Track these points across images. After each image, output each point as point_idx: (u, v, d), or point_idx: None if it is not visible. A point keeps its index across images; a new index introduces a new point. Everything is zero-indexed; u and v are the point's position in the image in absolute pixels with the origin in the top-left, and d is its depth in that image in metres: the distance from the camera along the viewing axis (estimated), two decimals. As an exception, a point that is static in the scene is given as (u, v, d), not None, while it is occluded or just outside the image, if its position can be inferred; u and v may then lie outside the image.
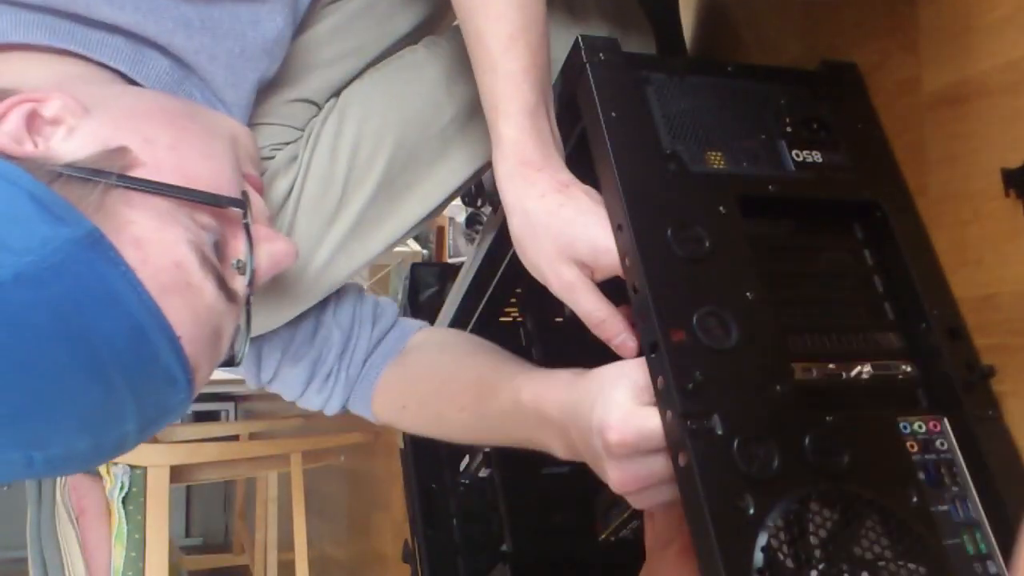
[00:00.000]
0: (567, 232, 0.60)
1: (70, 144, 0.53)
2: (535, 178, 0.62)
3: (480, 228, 1.76)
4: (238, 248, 0.59)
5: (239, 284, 0.59)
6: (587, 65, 0.65)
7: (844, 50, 0.75)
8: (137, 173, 0.53)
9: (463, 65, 0.78)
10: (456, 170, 0.80)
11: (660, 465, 0.54)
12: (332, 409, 0.86)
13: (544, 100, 0.64)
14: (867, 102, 0.72)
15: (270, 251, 0.61)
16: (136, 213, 0.52)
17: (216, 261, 0.56)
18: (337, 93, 0.78)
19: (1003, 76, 0.63)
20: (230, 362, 0.62)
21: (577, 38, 0.67)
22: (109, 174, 0.52)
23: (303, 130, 0.77)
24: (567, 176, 0.63)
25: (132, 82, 0.64)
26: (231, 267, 0.58)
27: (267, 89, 0.73)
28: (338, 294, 0.84)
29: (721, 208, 0.61)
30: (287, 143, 0.76)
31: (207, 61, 0.66)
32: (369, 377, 0.84)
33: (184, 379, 0.53)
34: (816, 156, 0.67)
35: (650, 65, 0.68)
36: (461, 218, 1.83)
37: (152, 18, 0.63)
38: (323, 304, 0.83)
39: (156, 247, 0.52)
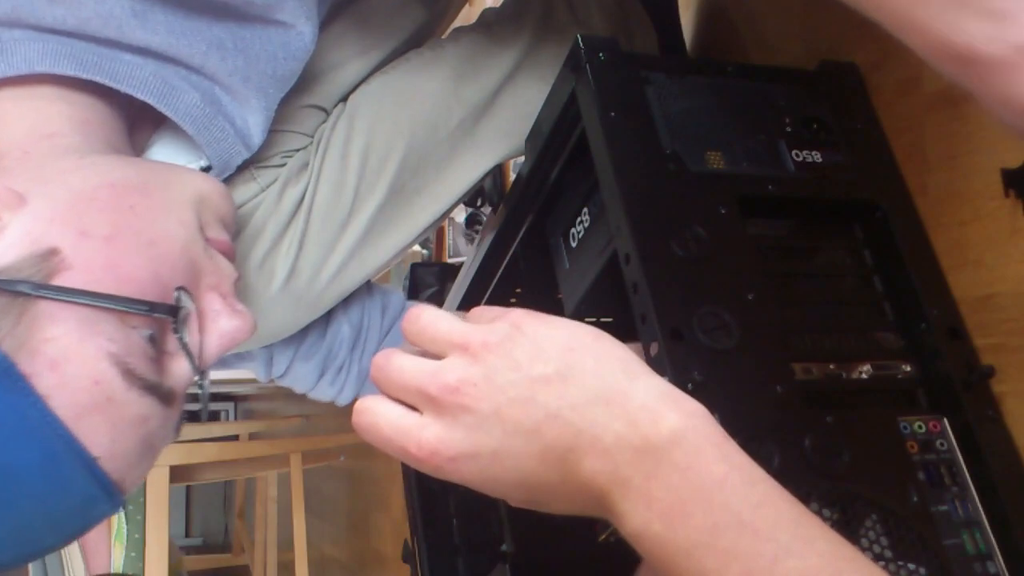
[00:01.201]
0: None
1: None
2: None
3: (480, 228, 1.76)
4: (192, 328, 0.57)
5: (181, 374, 0.56)
6: (587, 65, 0.65)
7: (844, 50, 0.75)
8: (64, 279, 0.51)
9: (470, 66, 0.78)
10: (465, 172, 0.80)
11: None
12: (344, 400, 0.87)
13: None
14: (867, 102, 0.72)
15: (220, 330, 0.58)
16: (56, 328, 0.50)
17: (146, 369, 0.53)
18: (345, 98, 0.78)
19: (1003, 76, 0.62)
20: (194, 419, 0.61)
21: (577, 38, 0.67)
22: (32, 284, 0.50)
23: (312, 136, 0.77)
24: None
25: (147, 119, 0.62)
26: (177, 350, 0.56)
27: None
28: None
29: (721, 208, 0.61)
30: (297, 150, 0.76)
31: (241, 84, 0.65)
32: None
33: (105, 496, 0.52)
34: (816, 156, 0.67)
35: (650, 65, 0.68)
36: (461, 218, 1.83)
37: (185, 40, 0.61)
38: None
39: (74, 366, 0.50)
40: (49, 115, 0.59)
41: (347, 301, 0.84)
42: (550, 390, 0.44)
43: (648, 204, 0.60)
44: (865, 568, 0.39)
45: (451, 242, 1.93)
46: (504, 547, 0.91)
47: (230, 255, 0.62)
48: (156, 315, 0.54)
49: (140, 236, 0.55)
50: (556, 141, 0.73)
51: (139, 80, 0.60)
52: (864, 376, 0.60)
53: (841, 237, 0.67)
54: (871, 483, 0.54)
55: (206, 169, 0.68)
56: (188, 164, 0.67)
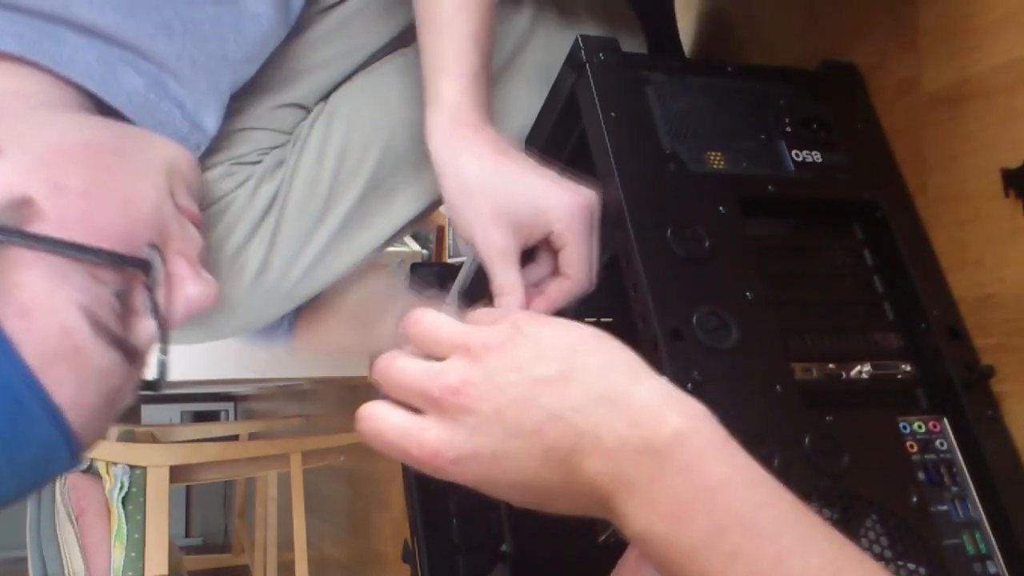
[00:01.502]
0: (506, 192, 0.59)
1: None
2: (473, 139, 0.61)
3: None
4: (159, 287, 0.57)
5: (146, 333, 0.56)
6: (587, 65, 0.65)
7: (844, 50, 0.75)
8: (37, 228, 0.51)
9: None
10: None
11: None
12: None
13: (487, 68, 0.63)
14: (867, 102, 0.72)
15: (187, 295, 0.58)
16: (27, 274, 0.50)
17: (113, 323, 0.53)
18: (326, 96, 0.78)
19: (1002, 76, 0.63)
20: (151, 387, 0.60)
21: (577, 38, 0.67)
22: (6, 230, 0.50)
23: (290, 134, 0.77)
24: (506, 142, 0.62)
25: (100, 102, 0.62)
26: (144, 309, 0.56)
27: (254, 94, 0.73)
28: None
29: (721, 208, 0.61)
30: (274, 147, 0.76)
31: (188, 66, 0.65)
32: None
33: (66, 447, 0.52)
34: (816, 156, 0.67)
35: (650, 65, 0.68)
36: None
37: (132, 21, 0.61)
38: None
39: (44, 313, 0.50)
40: (22, 76, 0.59)
41: None
42: (552, 391, 0.44)
43: (648, 204, 0.60)
44: (868, 568, 0.39)
45: (451, 242, 1.93)
46: (504, 547, 0.91)
47: (199, 224, 0.62)
48: (128, 267, 0.54)
49: (114, 194, 0.55)
50: (556, 141, 0.73)
51: (82, 65, 0.60)
52: (864, 376, 0.60)
53: (841, 237, 0.67)
54: (871, 483, 0.54)
55: None
56: None
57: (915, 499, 0.54)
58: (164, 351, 0.59)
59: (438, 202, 0.82)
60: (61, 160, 0.54)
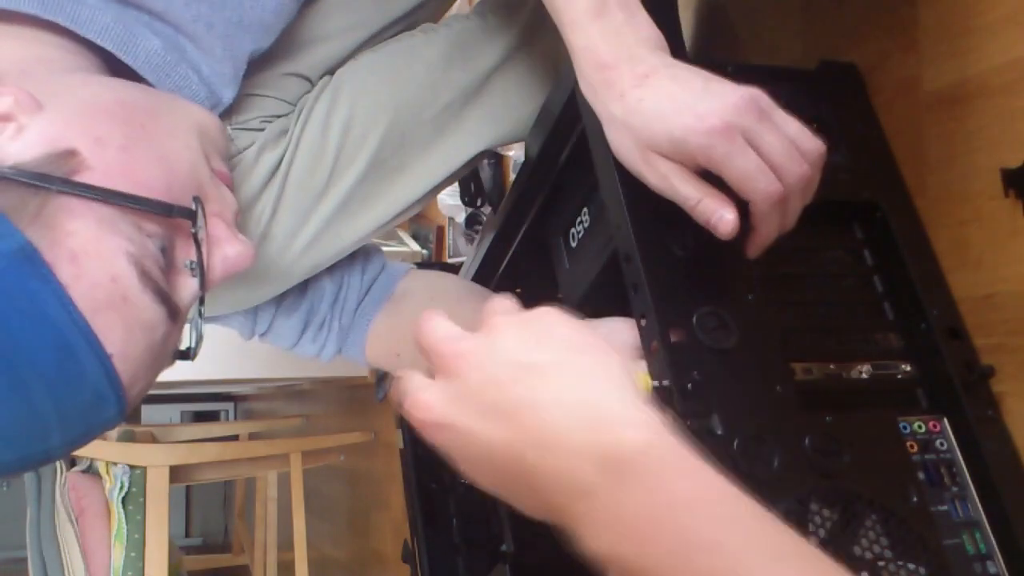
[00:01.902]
0: (646, 129, 0.56)
1: (17, 144, 0.52)
2: (612, 79, 0.58)
3: (480, 228, 1.76)
4: (189, 251, 0.57)
5: (186, 292, 0.57)
6: (587, 65, 0.65)
7: (844, 50, 0.75)
8: (83, 178, 0.52)
9: (461, 51, 0.78)
10: (448, 156, 0.80)
11: None
12: (327, 356, 0.87)
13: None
14: (867, 102, 0.72)
15: (224, 255, 0.59)
16: (76, 223, 0.51)
17: (159, 276, 0.54)
18: (332, 71, 0.78)
19: (1003, 76, 0.63)
20: (185, 356, 0.61)
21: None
22: (53, 179, 0.51)
23: (295, 105, 0.77)
24: (646, 66, 0.58)
25: (118, 64, 0.63)
26: (184, 267, 0.57)
27: (262, 60, 0.73)
28: None
29: (721, 208, 0.61)
30: (278, 116, 0.76)
31: (204, 30, 0.65)
32: (361, 324, 0.85)
33: (114, 397, 0.52)
34: (816, 156, 0.67)
35: (650, 65, 0.68)
36: (461, 218, 1.83)
37: None
38: None
39: (93, 261, 0.51)
40: (42, 44, 0.60)
41: None
42: (534, 379, 0.44)
43: (648, 204, 0.60)
44: (836, 571, 0.38)
45: (451, 242, 1.93)
46: (504, 547, 0.91)
47: (231, 187, 0.63)
48: (176, 217, 0.55)
49: (153, 150, 0.56)
50: (556, 141, 0.73)
51: (100, 25, 0.61)
52: (864, 376, 0.60)
53: (841, 237, 0.67)
54: (871, 483, 0.54)
55: None
56: None
57: (915, 499, 0.54)
58: (201, 313, 0.60)
59: (441, 185, 0.82)
60: (99, 116, 0.55)
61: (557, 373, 0.44)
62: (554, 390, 0.44)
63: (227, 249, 0.59)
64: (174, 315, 0.56)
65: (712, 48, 0.97)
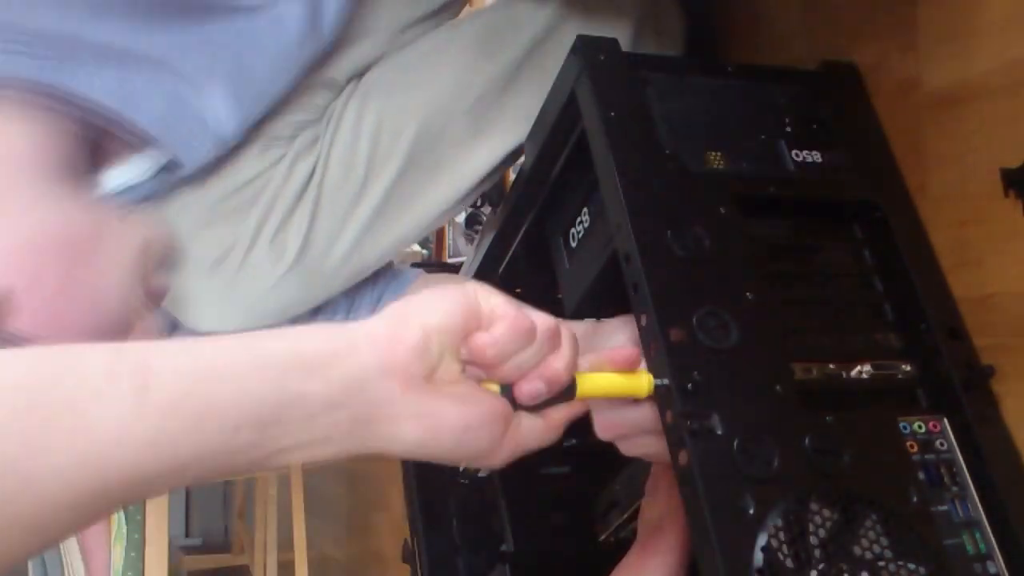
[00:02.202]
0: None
1: None
2: None
3: (480, 228, 1.76)
4: None
5: None
6: (587, 65, 0.65)
7: (844, 50, 0.75)
8: (13, 322, 0.52)
9: (488, 43, 0.78)
10: (487, 150, 0.79)
11: (641, 415, 0.55)
12: None
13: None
14: (867, 102, 0.72)
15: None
16: None
17: None
18: (360, 74, 0.78)
19: (1003, 76, 0.63)
20: None
21: (577, 38, 0.67)
22: None
23: (324, 111, 0.77)
24: None
25: (99, 130, 0.61)
26: None
27: None
28: None
29: (721, 208, 0.61)
30: (308, 123, 0.76)
31: (205, 78, 0.65)
32: None
33: None
34: (816, 156, 0.67)
35: (650, 65, 0.68)
36: (461, 218, 1.83)
37: (145, 38, 0.61)
38: None
39: None
40: (9, 132, 0.58)
41: None
42: None
43: (648, 204, 0.60)
44: None
45: (451, 242, 1.93)
46: (504, 547, 0.91)
47: (164, 295, 0.65)
48: None
49: (85, 294, 0.56)
50: (556, 141, 0.73)
51: (101, 88, 0.60)
52: (864, 376, 0.60)
53: (841, 237, 0.67)
54: (871, 483, 0.54)
55: (170, 164, 0.68)
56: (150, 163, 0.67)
57: (915, 499, 0.54)
58: None
59: (484, 181, 0.81)
60: (40, 252, 0.55)
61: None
62: None
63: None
64: None
65: (712, 48, 0.97)
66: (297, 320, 0.84)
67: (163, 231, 0.64)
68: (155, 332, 0.63)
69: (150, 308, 0.62)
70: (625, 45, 0.72)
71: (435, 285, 0.90)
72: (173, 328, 0.74)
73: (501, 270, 0.88)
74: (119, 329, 0.58)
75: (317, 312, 0.83)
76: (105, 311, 0.57)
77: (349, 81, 0.78)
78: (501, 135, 0.79)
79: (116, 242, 0.60)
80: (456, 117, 0.77)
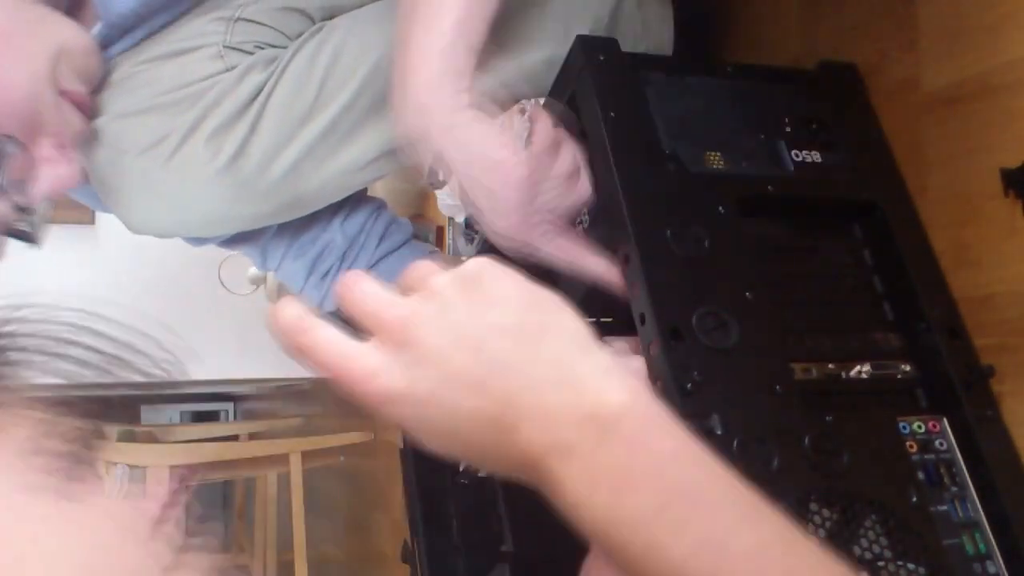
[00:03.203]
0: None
1: None
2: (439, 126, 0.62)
3: (480, 228, 1.76)
4: (13, 169, 0.62)
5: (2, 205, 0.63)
6: (587, 66, 0.65)
7: (843, 50, 0.75)
8: None
9: None
10: None
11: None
12: (329, 307, 0.89)
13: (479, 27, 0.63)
14: (866, 102, 0.72)
15: (51, 175, 0.65)
16: None
17: None
18: (331, 18, 0.78)
19: (1003, 76, 0.63)
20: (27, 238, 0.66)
21: (576, 38, 0.67)
22: None
23: (292, 40, 0.78)
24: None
25: None
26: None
27: None
28: (354, 204, 0.86)
29: (720, 208, 0.61)
30: (273, 46, 0.77)
31: None
32: None
33: None
34: (815, 156, 0.67)
35: (649, 65, 0.68)
36: (461, 218, 1.83)
37: None
38: (334, 210, 0.85)
39: None
40: None
41: (350, 215, 0.86)
42: (502, 342, 0.42)
43: (648, 204, 0.60)
44: (812, 543, 0.38)
45: (451, 242, 1.93)
46: (504, 547, 0.91)
47: (84, 107, 0.68)
48: None
49: None
50: (556, 141, 0.73)
51: None
52: (864, 376, 0.60)
53: (840, 237, 0.67)
54: (871, 483, 0.54)
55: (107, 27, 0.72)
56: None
57: (915, 499, 0.54)
58: (33, 215, 0.65)
59: None
60: None
61: (524, 335, 0.43)
62: (525, 352, 0.42)
63: (56, 169, 0.65)
64: None
65: (712, 48, 0.97)
66: (269, 247, 0.84)
67: (83, 41, 0.67)
68: (71, 131, 0.66)
69: (66, 115, 0.65)
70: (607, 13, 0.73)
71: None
72: (85, 177, 0.76)
73: (501, 270, 0.88)
74: (29, 124, 0.62)
75: (313, 244, 0.83)
76: (11, 100, 0.61)
77: (322, 20, 0.78)
78: None
79: (29, 37, 0.63)
80: None
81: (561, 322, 0.44)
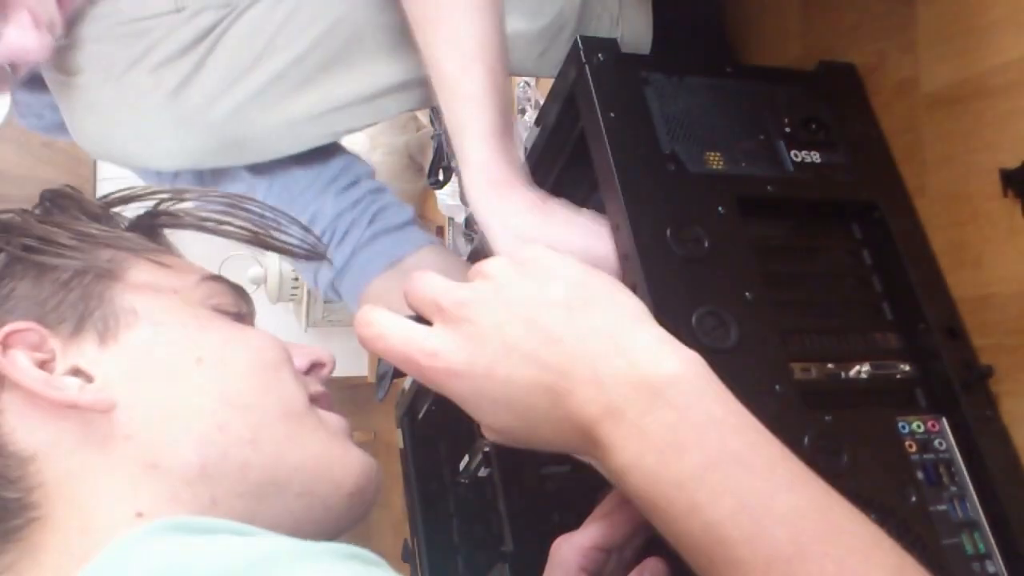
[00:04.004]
0: (562, 242, 0.60)
1: None
2: (511, 197, 0.62)
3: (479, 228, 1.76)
4: None
5: None
6: (586, 65, 0.65)
7: (842, 51, 0.75)
8: None
9: None
10: (397, 71, 0.79)
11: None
12: (321, 284, 0.88)
13: (508, 122, 0.64)
14: (865, 103, 0.72)
15: (20, 37, 0.64)
16: None
17: None
18: None
19: (1002, 76, 0.63)
20: None
21: (576, 38, 0.67)
22: None
23: None
24: (539, 193, 0.63)
25: None
26: None
27: None
28: (352, 178, 0.86)
29: (720, 208, 0.61)
30: None
31: None
32: (357, 267, 0.85)
33: None
34: (815, 156, 0.67)
35: (649, 65, 0.68)
36: (461, 218, 1.83)
37: None
38: (329, 178, 0.85)
39: None
40: None
41: (348, 187, 0.86)
42: (556, 314, 0.44)
43: (647, 204, 0.60)
44: (852, 512, 0.40)
45: (451, 242, 1.93)
46: (504, 547, 0.91)
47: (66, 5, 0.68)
48: None
49: None
50: (555, 141, 0.73)
51: None
52: (863, 376, 0.60)
53: (840, 237, 0.67)
54: (870, 483, 0.54)
55: None
56: None
57: (914, 499, 0.55)
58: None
59: (384, 98, 0.81)
60: None
61: (579, 308, 0.45)
62: (580, 323, 0.44)
63: (25, 35, 0.64)
64: None
65: (711, 49, 0.97)
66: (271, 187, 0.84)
67: None
68: (45, 10, 0.66)
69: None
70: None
71: (446, 263, 0.89)
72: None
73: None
74: None
75: (304, 213, 0.84)
76: None
77: None
78: (414, 63, 0.78)
79: None
80: (378, 25, 0.77)
81: (613, 296, 0.46)
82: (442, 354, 0.45)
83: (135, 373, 0.48)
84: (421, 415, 1.14)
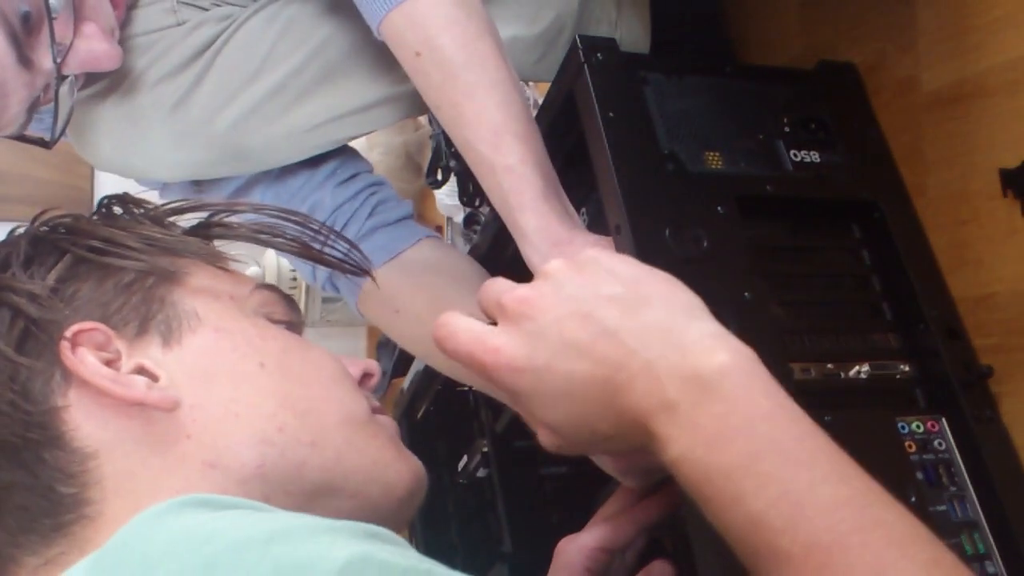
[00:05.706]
0: None
1: None
2: (568, 252, 0.62)
3: (479, 228, 1.76)
4: (56, 30, 0.63)
5: (43, 59, 0.63)
6: (585, 65, 0.65)
7: (842, 50, 0.75)
8: None
9: None
10: (397, 79, 0.78)
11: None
12: (320, 279, 0.88)
13: (552, 182, 0.65)
14: (865, 102, 0.72)
15: (89, 48, 0.65)
16: None
17: (16, 25, 0.60)
18: None
19: (1002, 76, 0.63)
20: (44, 144, 0.67)
21: (576, 38, 0.67)
22: None
23: (254, 2, 0.78)
24: (602, 237, 0.64)
25: None
26: (44, 43, 0.63)
27: None
28: (351, 171, 0.86)
29: (719, 208, 0.61)
30: (229, 3, 0.77)
31: None
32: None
33: None
34: (814, 156, 0.67)
35: (648, 65, 0.68)
36: (459, 218, 1.83)
37: None
38: (328, 172, 0.85)
39: None
40: None
41: (346, 181, 0.86)
42: (612, 309, 0.45)
43: (646, 204, 0.60)
44: (893, 505, 0.40)
45: (450, 242, 1.93)
46: (503, 547, 0.91)
47: (119, 7, 0.70)
48: None
49: None
50: (554, 141, 0.73)
51: None
52: (862, 376, 0.60)
53: (839, 237, 0.67)
54: (870, 483, 0.53)
55: None
56: None
57: (914, 499, 0.54)
58: (58, 88, 0.65)
59: (383, 101, 0.81)
60: None
61: (634, 303, 0.46)
62: (634, 318, 0.45)
63: (94, 44, 0.66)
64: (24, 63, 0.61)
65: (711, 48, 0.97)
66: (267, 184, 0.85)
67: None
68: (107, 20, 0.68)
69: (105, 5, 0.67)
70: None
71: (447, 260, 0.88)
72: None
73: (501, 271, 0.88)
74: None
75: (302, 205, 0.84)
76: None
77: None
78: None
79: None
80: (370, 42, 0.77)
81: (669, 292, 0.47)
82: (504, 350, 0.47)
83: (199, 375, 0.49)
84: (420, 415, 1.14)
